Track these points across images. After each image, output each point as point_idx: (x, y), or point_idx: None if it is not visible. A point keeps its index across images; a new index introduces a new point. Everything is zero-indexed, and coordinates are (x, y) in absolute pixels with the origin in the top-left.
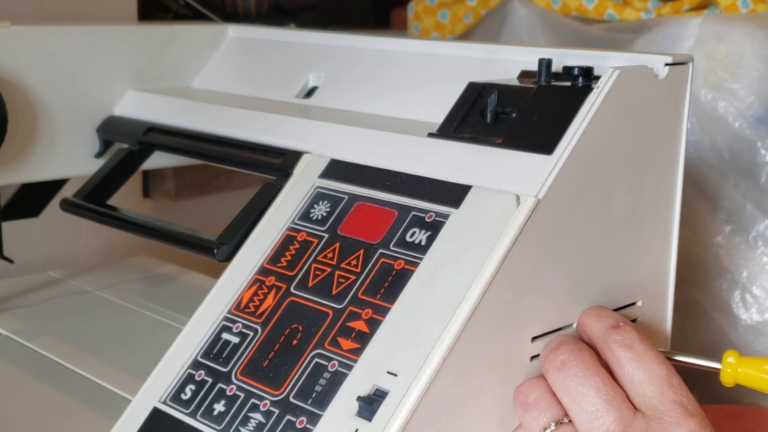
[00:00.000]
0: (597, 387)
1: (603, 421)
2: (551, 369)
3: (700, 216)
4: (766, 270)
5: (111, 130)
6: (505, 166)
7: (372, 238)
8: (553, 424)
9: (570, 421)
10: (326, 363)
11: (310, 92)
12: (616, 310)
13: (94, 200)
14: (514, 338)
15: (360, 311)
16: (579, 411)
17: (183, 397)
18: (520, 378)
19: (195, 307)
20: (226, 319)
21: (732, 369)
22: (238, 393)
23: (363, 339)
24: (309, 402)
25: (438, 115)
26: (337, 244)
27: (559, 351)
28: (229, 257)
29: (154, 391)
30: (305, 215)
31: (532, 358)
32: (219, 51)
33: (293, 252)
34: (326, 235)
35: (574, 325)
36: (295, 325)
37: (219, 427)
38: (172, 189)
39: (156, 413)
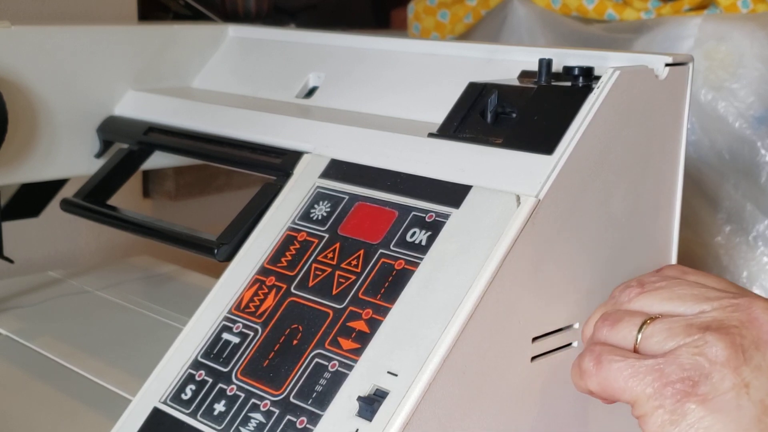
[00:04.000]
0: (686, 283)
1: (711, 295)
2: (632, 294)
3: (700, 216)
4: (766, 270)
5: (111, 130)
6: (506, 166)
7: (372, 238)
8: (653, 317)
9: (662, 317)
10: (326, 363)
11: (310, 92)
12: None
13: (94, 200)
14: (515, 339)
15: (360, 311)
16: (682, 302)
17: (183, 397)
18: (521, 379)
19: (195, 307)
20: (226, 319)
21: None
22: (238, 393)
23: (363, 339)
24: (309, 402)
25: (438, 115)
26: (338, 244)
27: (628, 284)
28: (229, 257)
29: (154, 391)
30: (305, 215)
31: (533, 358)
32: (219, 51)
33: (293, 252)
34: (326, 235)
35: (575, 326)
36: (296, 325)
37: (219, 427)
38: (172, 189)
39: (156, 413)
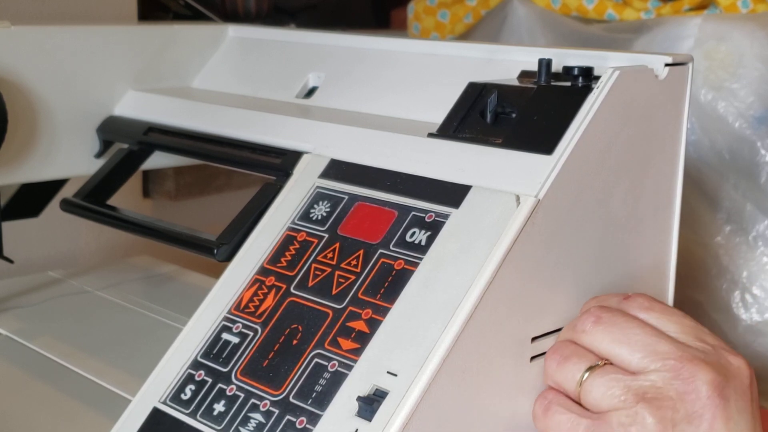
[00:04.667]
0: (641, 326)
1: (660, 349)
2: (587, 324)
3: (700, 216)
4: (766, 270)
5: (111, 130)
6: (505, 166)
7: (372, 238)
8: (598, 363)
9: (606, 364)
10: (326, 363)
11: (310, 92)
12: None
13: (94, 200)
14: (514, 339)
15: (360, 311)
16: (631, 351)
17: (183, 397)
18: (520, 379)
19: (195, 307)
20: (226, 319)
21: None
22: (238, 393)
23: (363, 339)
24: (309, 402)
25: (438, 115)
26: (337, 244)
27: (590, 311)
28: (229, 257)
29: (154, 391)
30: (305, 215)
31: (532, 358)
32: (219, 51)
33: (293, 252)
34: (326, 235)
35: None
36: (295, 325)
37: (219, 427)
38: (172, 189)
39: (156, 413)
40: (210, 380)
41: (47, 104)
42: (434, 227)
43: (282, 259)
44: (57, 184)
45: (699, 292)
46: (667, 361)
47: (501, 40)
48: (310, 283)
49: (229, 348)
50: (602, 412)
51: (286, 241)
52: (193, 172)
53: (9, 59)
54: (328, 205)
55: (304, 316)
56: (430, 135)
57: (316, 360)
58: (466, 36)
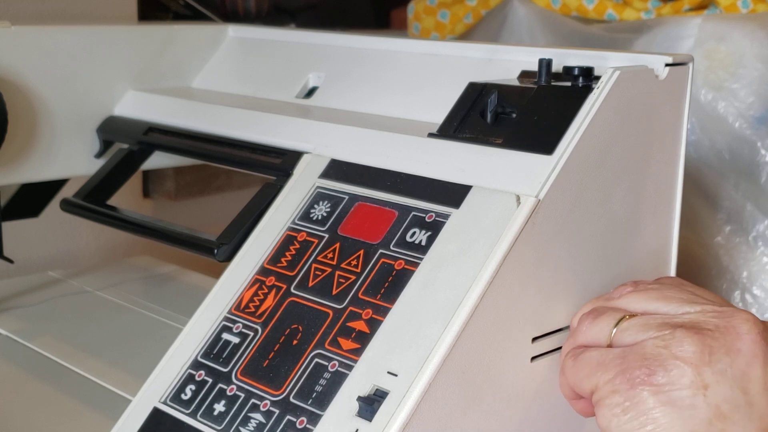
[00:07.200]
0: (680, 289)
1: (697, 301)
2: (624, 291)
3: (700, 216)
4: (766, 270)
5: (111, 130)
6: (506, 166)
7: (372, 239)
8: (628, 316)
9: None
10: (326, 363)
11: (310, 92)
12: None
13: (94, 200)
14: (515, 339)
15: (360, 311)
16: (667, 303)
17: (183, 397)
18: (521, 379)
19: (195, 307)
20: (226, 319)
21: None
22: (238, 393)
23: (363, 339)
24: (309, 402)
25: (438, 115)
26: (338, 245)
27: (626, 283)
28: (229, 257)
29: (154, 391)
30: (305, 215)
31: (533, 358)
32: (219, 51)
33: (293, 252)
34: (326, 235)
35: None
36: (296, 325)
37: (219, 428)
38: (172, 189)
39: (156, 413)
40: (210, 380)
41: (47, 104)
42: (434, 227)
43: (282, 259)
44: (57, 184)
45: None
46: (706, 305)
47: (501, 40)
48: (311, 283)
49: (229, 348)
50: (635, 343)
51: (287, 241)
52: (193, 172)
53: (9, 59)
54: (329, 205)
55: (304, 316)
56: (430, 135)
57: (316, 360)
58: (466, 36)
